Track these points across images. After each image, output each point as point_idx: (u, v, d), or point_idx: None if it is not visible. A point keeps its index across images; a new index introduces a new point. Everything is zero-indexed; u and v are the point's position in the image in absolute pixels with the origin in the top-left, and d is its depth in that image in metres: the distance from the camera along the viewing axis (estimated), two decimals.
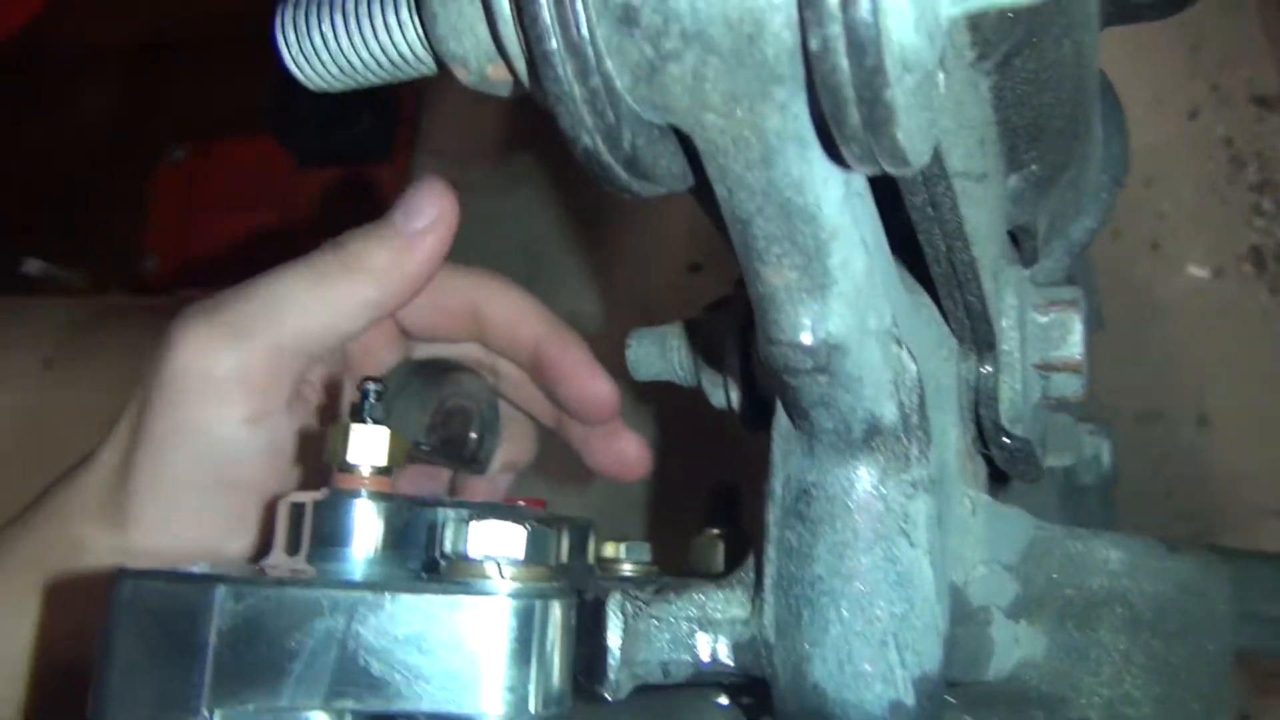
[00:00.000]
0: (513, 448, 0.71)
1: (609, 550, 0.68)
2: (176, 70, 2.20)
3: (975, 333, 0.43)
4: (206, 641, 0.36)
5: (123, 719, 0.36)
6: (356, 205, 1.95)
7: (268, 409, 0.53)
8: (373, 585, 0.39)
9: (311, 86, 0.36)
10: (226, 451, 0.53)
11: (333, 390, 0.61)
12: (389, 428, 0.46)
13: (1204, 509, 1.55)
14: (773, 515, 0.37)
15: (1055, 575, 0.46)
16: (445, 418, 0.69)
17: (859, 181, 0.31)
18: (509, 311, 0.63)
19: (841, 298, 0.30)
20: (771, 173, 0.27)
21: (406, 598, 0.37)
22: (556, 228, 1.88)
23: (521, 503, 0.57)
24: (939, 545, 0.35)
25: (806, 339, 0.30)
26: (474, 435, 0.70)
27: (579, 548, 0.62)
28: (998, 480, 0.50)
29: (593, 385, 0.62)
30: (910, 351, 0.36)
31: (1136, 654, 0.46)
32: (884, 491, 0.35)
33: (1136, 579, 0.47)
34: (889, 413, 0.34)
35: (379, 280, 0.54)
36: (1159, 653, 0.46)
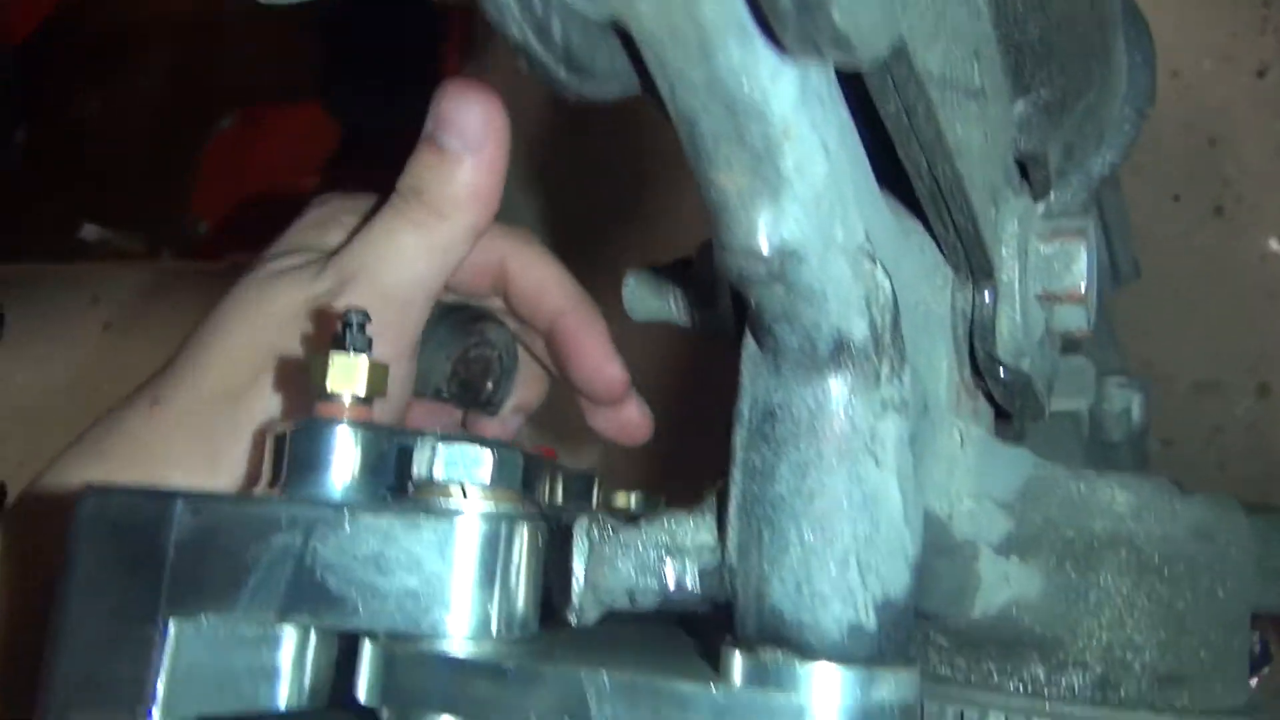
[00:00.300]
0: (525, 391, 0.72)
1: (619, 500, 0.67)
2: (227, 41, 2.23)
3: (970, 259, 0.40)
4: (165, 554, 0.36)
5: (82, 628, 0.36)
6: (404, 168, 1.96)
7: (400, 356, 0.55)
8: (332, 503, 0.38)
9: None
10: None
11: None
12: (370, 358, 0.46)
13: (1260, 481, 1.49)
14: (739, 438, 0.35)
15: (1054, 515, 0.44)
16: (467, 366, 0.70)
17: (819, 82, 0.29)
18: (534, 279, 0.63)
19: (797, 202, 0.29)
20: (712, 65, 0.26)
21: (366, 516, 0.37)
22: (603, 192, 1.87)
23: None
24: (910, 468, 0.34)
25: (760, 245, 0.29)
26: (490, 384, 0.71)
27: (580, 494, 0.61)
28: (1005, 420, 0.48)
29: (603, 368, 0.63)
30: (885, 269, 0.34)
31: (1140, 597, 0.44)
32: (851, 410, 0.33)
33: (1144, 521, 0.45)
34: (859, 330, 0.33)
35: (468, 210, 0.54)
36: (1164, 597, 0.44)
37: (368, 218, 0.58)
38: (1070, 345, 0.53)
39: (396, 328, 0.55)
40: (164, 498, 0.37)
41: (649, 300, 0.53)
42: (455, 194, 0.54)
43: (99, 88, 2.21)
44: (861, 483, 0.33)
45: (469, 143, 0.54)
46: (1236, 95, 1.72)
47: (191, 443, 0.53)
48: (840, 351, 0.33)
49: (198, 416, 0.53)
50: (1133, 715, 0.42)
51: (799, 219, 0.29)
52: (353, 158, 2.02)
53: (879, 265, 0.33)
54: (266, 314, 0.56)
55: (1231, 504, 0.47)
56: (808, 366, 0.33)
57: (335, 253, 0.57)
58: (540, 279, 0.63)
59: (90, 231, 2.22)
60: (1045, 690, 0.45)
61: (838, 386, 0.33)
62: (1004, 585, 0.42)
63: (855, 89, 0.33)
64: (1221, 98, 1.73)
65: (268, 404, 0.54)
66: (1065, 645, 0.44)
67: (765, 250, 0.29)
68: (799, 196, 0.29)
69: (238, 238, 2.03)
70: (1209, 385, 1.67)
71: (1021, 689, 0.45)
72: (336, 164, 2.01)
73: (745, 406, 0.35)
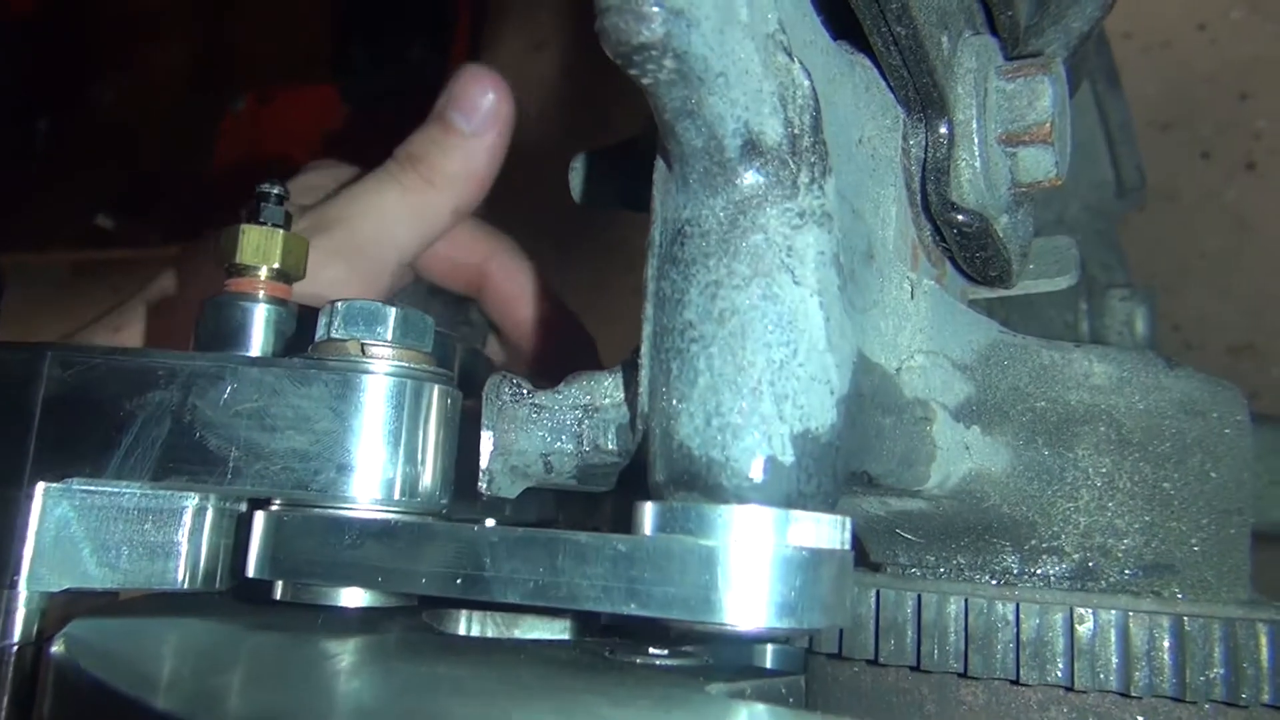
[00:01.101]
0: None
1: None
2: (239, 24, 2.23)
3: (919, 89, 0.37)
4: (32, 411, 0.33)
5: None
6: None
7: None
8: (211, 357, 0.35)
9: None
10: None
11: None
12: (288, 233, 0.43)
13: None
14: (650, 267, 0.32)
15: (1024, 385, 0.40)
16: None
17: None
18: (512, 289, 0.66)
19: None
20: None
21: (250, 370, 0.34)
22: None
23: None
24: (835, 288, 0.30)
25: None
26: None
27: None
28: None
29: None
30: (805, 68, 0.30)
31: (1122, 478, 0.40)
32: (764, 220, 0.29)
33: (1125, 395, 0.40)
34: (772, 129, 0.29)
35: (458, 187, 0.58)
36: (1149, 477, 0.40)
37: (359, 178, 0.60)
38: (1091, 219, 0.49)
39: (364, 283, 0.56)
40: (32, 350, 0.34)
41: (596, 184, 0.49)
42: (449, 168, 0.57)
43: (116, 74, 2.22)
44: (775, 302, 0.29)
45: (474, 124, 0.58)
46: (1266, 47, 1.65)
47: None
48: (751, 152, 0.29)
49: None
50: (1106, 600, 0.37)
51: None
52: (363, 140, 2.01)
53: (796, 61, 0.30)
54: None
55: (1225, 381, 0.43)
56: (716, 172, 0.29)
57: (319, 203, 0.59)
58: (517, 287, 0.66)
59: (106, 220, 2.23)
60: (1018, 582, 0.41)
61: (750, 193, 0.29)
62: (964, 455, 0.38)
63: None
64: (1250, 50, 1.66)
65: None
66: (1039, 530, 0.40)
67: (648, 6, 0.25)
68: None
69: None
70: (1244, 348, 1.60)
71: (993, 582, 0.41)
72: (347, 145, 2.00)
73: (656, 232, 0.32)
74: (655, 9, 0.26)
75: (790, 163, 0.30)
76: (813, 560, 0.28)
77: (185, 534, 0.36)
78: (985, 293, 0.47)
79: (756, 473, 0.29)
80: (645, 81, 0.28)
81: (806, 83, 0.30)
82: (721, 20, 0.27)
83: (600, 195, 0.50)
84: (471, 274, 0.66)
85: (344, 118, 2.07)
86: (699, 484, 0.29)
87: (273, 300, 0.42)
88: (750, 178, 0.29)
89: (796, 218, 0.29)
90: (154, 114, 2.27)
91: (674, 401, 0.30)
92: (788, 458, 0.29)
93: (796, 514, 0.29)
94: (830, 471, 0.30)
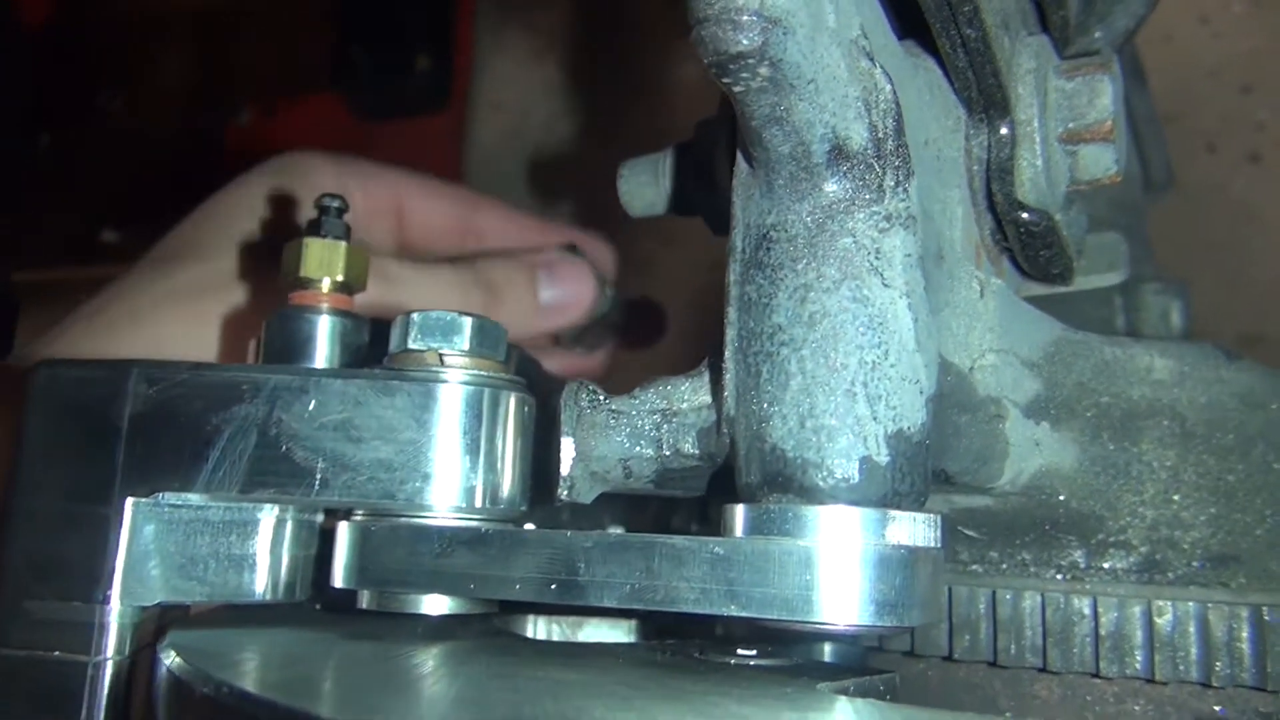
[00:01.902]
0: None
1: None
2: (242, 35, 2.23)
3: (983, 91, 0.37)
4: (119, 428, 0.34)
5: (36, 510, 0.33)
6: (416, 156, 1.95)
7: None
8: (296, 369, 0.36)
9: None
10: None
11: None
12: (350, 244, 0.43)
13: None
14: (733, 272, 0.32)
15: (1088, 380, 0.40)
16: None
17: None
18: (427, 213, 0.68)
19: None
20: None
21: (334, 382, 0.34)
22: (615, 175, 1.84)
23: None
24: (921, 290, 0.30)
25: (738, 8, 0.26)
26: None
27: None
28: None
29: None
30: (886, 72, 0.31)
31: (1186, 471, 0.40)
32: (852, 224, 0.30)
33: (1187, 388, 0.41)
34: (857, 134, 0.30)
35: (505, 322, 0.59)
36: (1212, 469, 0.40)
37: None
38: (1121, 214, 0.49)
39: None
40: (118, 368, 0.34)
41: (645, 191, 0.49)
42: (511, 316, 0.57)
43: (119, 87, 2.22)
44: (866, 304, 0.29)
45: (552, 301, 0.61)
46: (1268, 40, 1.66)
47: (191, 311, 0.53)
48: (838, 157, 0.29)
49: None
50: (1180, 592, 0.38)
51: None
52: (366, 148, 2.01)
53: (878, 65, 0.30)
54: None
55: None
56: (802, 178, 0.30)
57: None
58: (432, 207, 0.67)
59: (111, 235, 2.23)
60: (1085, 577, 0.41)
61: (837, 197, 0.30)
62: (1034, 452, 0.38)
63: None
64: (1252, 43, 1.67)
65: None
66: (1105, 524, 0.40)
67: (746, 15, 0.25)
68: None
69: None
70: (1253, 338, 1.61)
71: (1060, 578, 0.42)
72: (351, 154, 2.00)
73: (738, 238, 0.32)
74: (754, 18, 0.26)
75: (875, 166, 0.30)
76: (910, 558, 0.28)
77: (266, 546, 0.36)
78: (1038, 290, 0.47)
79: (852, 473, 0.29)
80: (737, 89, 0.28)
81: (888, 87, 0.30)
82: (814, 26, 0.28)
83: (649, 202, 0.50)
84: (388, 218, 0.66)
85: (347, 126, 2.07)
86: (794, 485, 0.29)
87: (336, 312, 0.42)
88: (836, 182, 0.30)
89: (884, 221, 0.30)
90: (157, 127, 2.27)
91: (765, 404, 0.30)
92: (883, 458, 0.29)
93: (892, 513, 0.29)
94: (922, 470, 0.30)
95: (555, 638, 0.44)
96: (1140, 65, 0.74)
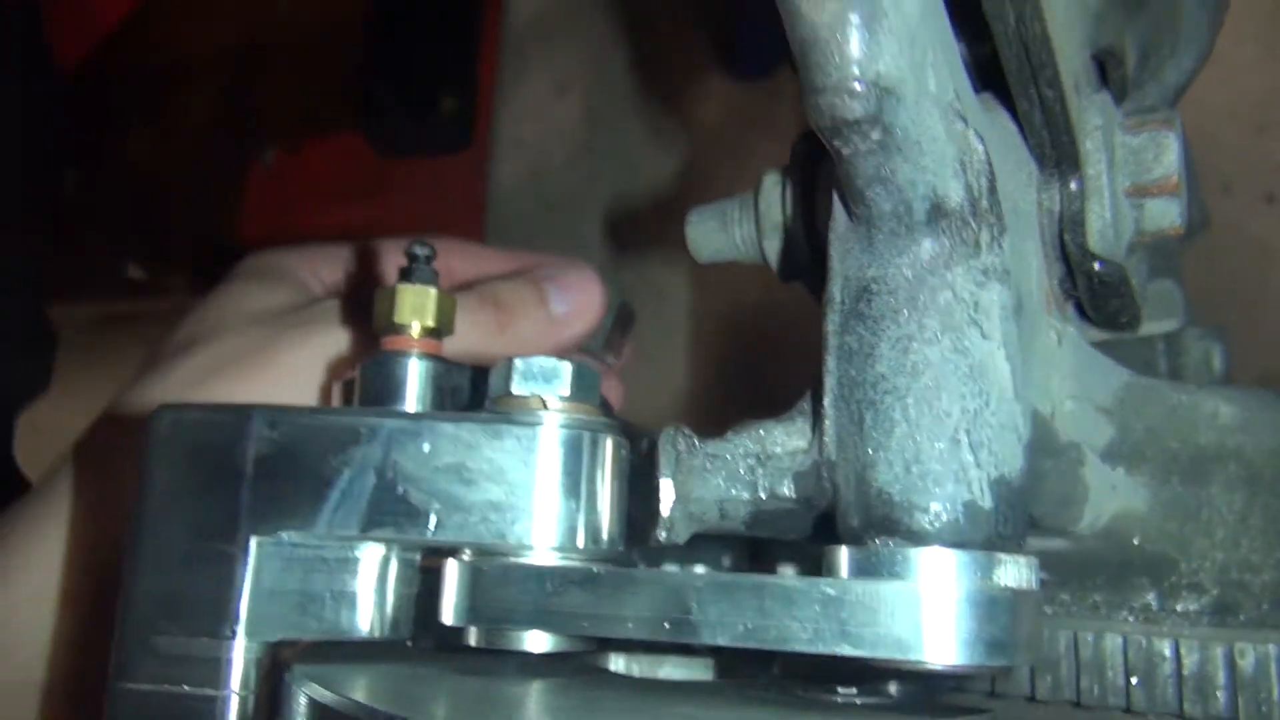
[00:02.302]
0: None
1: None
2: (268, 75, 2.27)
3: (1056, 146, 0.39)
4: (244, 470, 0.35)
5: (162, 548, 0.35)
6: (439, 193, 1.99)
7: None
8: (411, 414, 0.37)
9: None
10: None
11: None
12: (439, 290, 0.45)
13: None
14: (831, 323, 0.34)
15: (1157, 426, 0.42)
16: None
17: None
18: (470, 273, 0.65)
19: (892, 35, 0.28)
20: None
21: (446, 426, 0.36)
22: (638, 214, 1.88)
23: None
24: (1016, 341, 0.32)
25: (854, 78, 0.27)
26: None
27: None
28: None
29: None
30: (978, 132, 0.32)
31: (1254, 515, 0.41)
32: (951, 278, 0.31)
33: (1252, 433, 0.42)
34: (954, 193, 0.31)
35: (521, 348, 0.57)
36: (1279, 513, 0.41)
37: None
38: (1160, 259, 0.51)
39: None
40: (241, 411, 0.36)
41: (714, 238, 0.51)
42: (523, 330, 0.57)
43: (146, 126, 2.26)
44: (967, 355, 0.31)
45: (565, 312, 0.59)
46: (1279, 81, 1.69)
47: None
48: (937, 214, 0.31)
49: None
50: (1257, 634, 0.39)
51: (894, 54, 0.28)
52: (390, 182, 2.04)
53: (971, 127, 0.32)
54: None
55: None
56: (903, 234, 0.32)
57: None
58: (481, 267, 0.65)
59: (135, 270, 2.26)
60: (1159, 619, 0.42)
61: (937, 252, 0.31)
62: (1111, 495, 0.40)
63: None
64: (1265, 84, 1.70)
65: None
66: (1177, 566, 0.41)
67: (861, 84, 0.27)
68: (894, 29, 0.27)
69: None
70: (1273, 378, 1.62)
71: (1133, 619, 0.43)
72: (375, 193, 2.03)
73: (837, 289, 0.34)
74: (868, 88, 0.28)
75: (972, 223, 0.32)
76: (1016, 599, 0.30)
77: (373, 585, 0.37)
78: (1097, 335, 0.49)
79: (957, 517, 0.30)
80: (846, 151, 0.30)
81: (981, 147, 0.32)
82: (918, 93, 0.29)
83: (717, 248, 0.52)
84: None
85: (371, 165, 2.10)
86: (900, 528, 0.31)
87: (427, 356, 0.44)
88: (935, 238, 0.32)
89: (980, 275, 0.32)
90: (183, 166, 2.31)
91: (870, 450, 0.32)
92: (986, 502, 0.30)
93: (996, 555, 0.30)
94: (1022, 514, 0.31)
95: (636, 674, 0.45)
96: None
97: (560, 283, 0.60)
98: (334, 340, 0.52)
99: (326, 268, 0.62)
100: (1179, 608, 0.41)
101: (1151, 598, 0.42)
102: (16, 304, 1.29)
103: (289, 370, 0.51)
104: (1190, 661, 0.37)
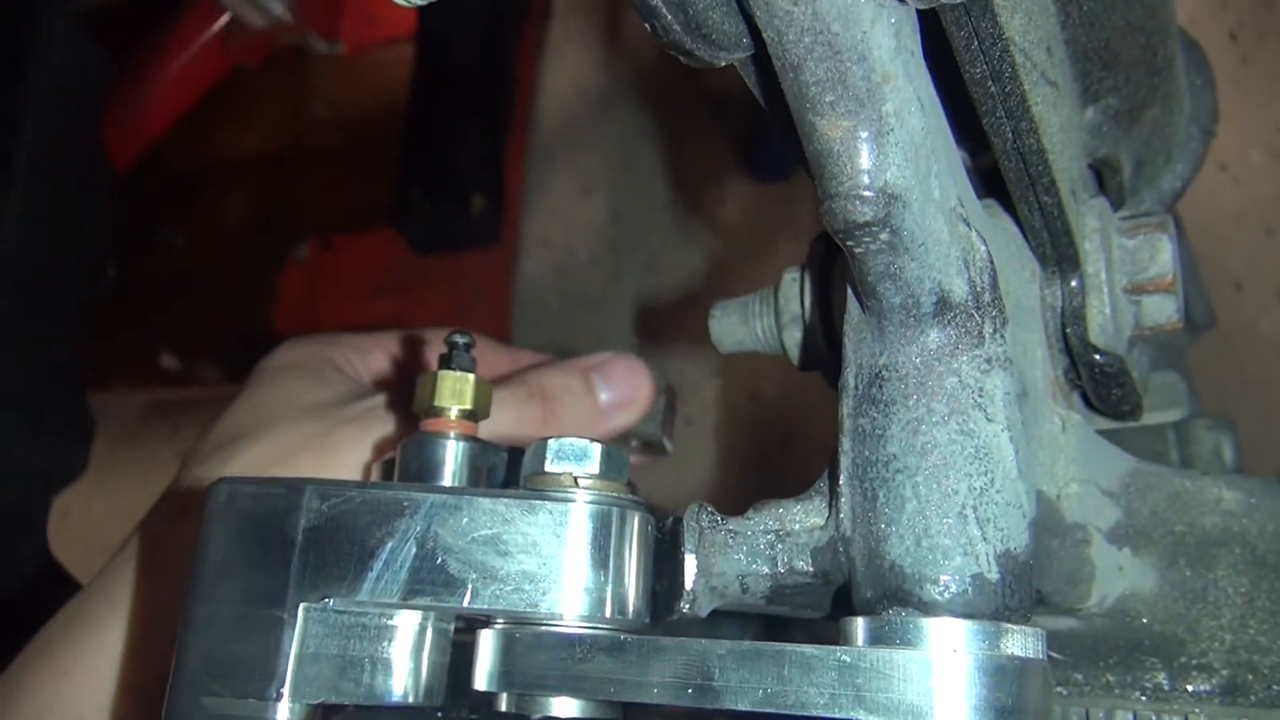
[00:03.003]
0: None
1: None
2: (303, 177, 2.36)
3: (1056, 247, 0.42)
4: (294, 540, 0.37)
5: (215, 612, 0.37)
6: (468, 288, 2.04)
7: None
8: (451, 489, 0.40)
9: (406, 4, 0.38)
10: None
11: None
12: (476, 377, 0.48)
13: None
14: (846, 407, 0.36)
15: (1162, 510, 0.44)
16: None
17: (909, 38, 0.31)
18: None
19: (898, 148, 0.31)
20: (817, 5, 0.28)
21: (484, 501, 0.38)
22: (659, 309, 1.93)
23: None
24: (1020, 425, 0.34)
25: (864, 186, 0.30)
26: None
27: None
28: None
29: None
30: (980, 234, 0.35)
31: (1260, 597, 0.43)
32: (957, 365, 0.34)
33: (1256, 519, 0.44)
34: (959, 288, 0.34)
35: (561, 432, 0.59)
36: None
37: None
38: (1166, 354, 0.53)
39: None
40: (294, 485, 0.38)
41: (736, 330, 0.54)
42: (568, 422, 0.58)
43: (184, 223, 2.34)
44: (973, 436, 0.33)
45: (611, 402, 0.59)
46: None
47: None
48: (943, 308, 0.34)
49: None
50: (1267, 714, 0.40)
51: (900, 165, 0.31)
52: (421, 277, 2.10)
53: (973, 229, 0.35)
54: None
55: None
56: (912, 325, 0.34)
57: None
58: (492, 361, 0.66)
59: (170, 360, 2.31)
60: (1170, 698, 0.43)
61: (943, 342, 0.34)
62: (1118, 576, 0.41)
63: (941, 75, 0.36)
64: (1271, 188, 1.75)
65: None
66: (1186, 647, 0.43)
67: (870, 191, 0.30)
68: (900, 143, 0.30)
69: None
70: None
71: (1144, 699, 0.44)
72: (407, 287, 2.09)
73: (851, 376, 0.36)
74: (877, 194, 0.31)
75: (975, 316, 0.34)
76: (1024, 668, 0.31)
77: (411, 652, 0.39)
78: (1102, 424, 0.51)
79: (966, 588, 0.32)
80: (858, 250, 0.33)
81: (983, 248, 0.35)
82: (923, 199, 0.32)
83: (739, 339, 0.55)
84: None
85: (402, 260, 2.16)
86: (911, 599, 0.33)
87: (464, 437, 0.46)
88: (941, 330, 0.34)
89: (985, 363, 0.34)
90: (218, 260, 2.39)
91: (882, 525, 0.34)
92: (993, 575, 0.32)
93: (1004, 626, 0.32)
94: (1028, 587, 0.33)
95: None
96: (1177, 215, 0.79)
97: (606, 372, 0.60)
98: (384, 437, 0.55)
99: (360, 357, 0.65)
100: (1190, 688, 0.43)
101: (1163, 678, 0.43)
102: (60, 392, 1.33)
103: (344, 466, 0.54)
104: None
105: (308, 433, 0.54)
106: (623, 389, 0.60)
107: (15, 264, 1.36)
